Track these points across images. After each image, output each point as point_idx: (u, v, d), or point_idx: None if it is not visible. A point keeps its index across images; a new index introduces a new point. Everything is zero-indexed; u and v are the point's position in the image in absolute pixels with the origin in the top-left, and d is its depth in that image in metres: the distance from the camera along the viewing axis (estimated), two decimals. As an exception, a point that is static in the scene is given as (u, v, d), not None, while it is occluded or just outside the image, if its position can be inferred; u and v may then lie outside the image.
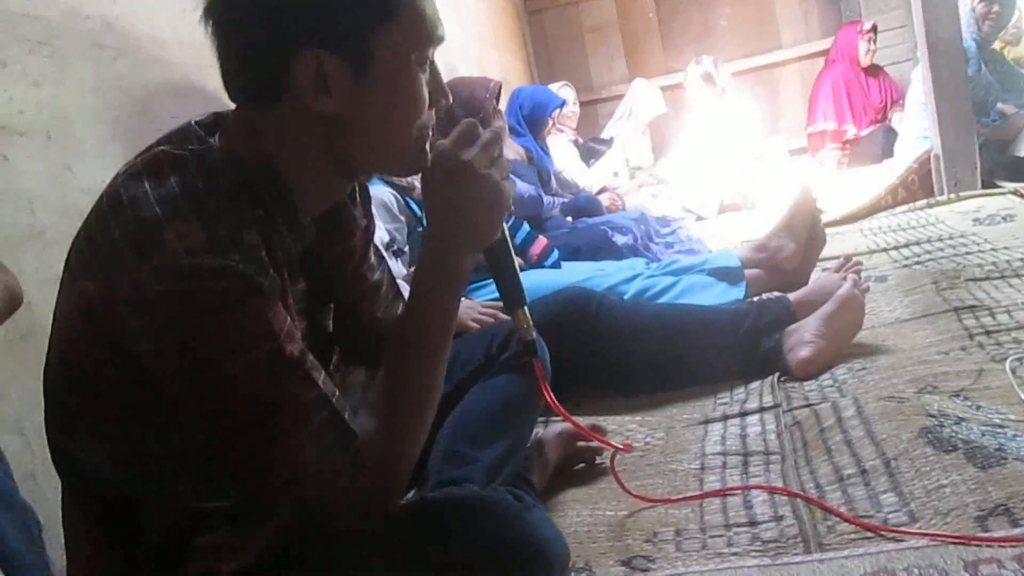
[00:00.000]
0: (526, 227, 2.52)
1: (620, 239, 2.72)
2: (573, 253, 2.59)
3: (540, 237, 2.49)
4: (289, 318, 0.81)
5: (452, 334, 0.92)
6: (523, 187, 2.88)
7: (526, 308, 1.02)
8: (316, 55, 0.80)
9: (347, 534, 0.84)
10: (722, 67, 4.85)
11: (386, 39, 0.83)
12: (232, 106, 0.89)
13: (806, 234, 2.33)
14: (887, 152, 4.44)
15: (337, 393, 0.84)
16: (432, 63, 0.90)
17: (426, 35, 0.86)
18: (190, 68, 1.83)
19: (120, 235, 0.75)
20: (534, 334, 1.06)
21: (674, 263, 2.35)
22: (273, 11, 0.80)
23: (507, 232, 0.98)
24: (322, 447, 0.80)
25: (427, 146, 0.91)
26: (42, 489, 1.23)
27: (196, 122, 0.87)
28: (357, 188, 1.06)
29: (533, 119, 3.67)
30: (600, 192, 4.10)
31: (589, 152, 4.81)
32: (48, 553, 0.96)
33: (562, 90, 4.54)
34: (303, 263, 0.93)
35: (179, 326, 0.73)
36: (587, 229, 2.83)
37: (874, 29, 4.95)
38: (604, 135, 5.19)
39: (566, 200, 3.58)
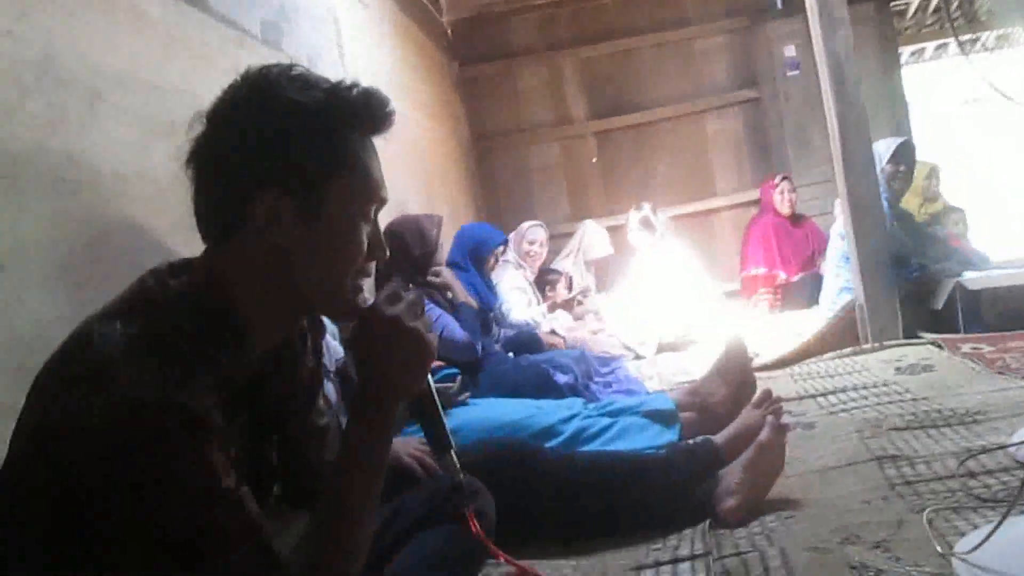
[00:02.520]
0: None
1: (561, 378, 2.78)
2: (514, 390, 2.64)
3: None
4: (228, 454, 0.85)
5: (382, 478, 0.97)
6: (460, 333, 2.94)
7: (452, 452, 1.08)
8: (274, 194, 0.92)
9: None
10: (661, 212, 5.09)
11: (336, 190, 0.95)
12: (190, 248, 0.99)
13: (737, 380, 2.42)
14: (815, 298, 4.66)
15: (267, 525, 0.87)
16: (375, 221, 1.01)
17: (371, 193, 0.99)
18: (148, 202, 1.88)
19: (80, 369, 0.82)
20: (461, 476, 1.10)
21: (611, 404, 2.40)
22: (246, 153, 0.93)
23: (431, 381, 1.04)
24: (248, 574, 0.83)
25: (361, 293, 1.01)
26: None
27: (170, 264, 0.96)
28: (309, 336, 1.11)
29: (476, 255, 3.77)
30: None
31: (543, 284, 4.90)
32: None
33: (532, 229, 4.72)
34: (250, 395, 0.98)
35: (119, 455, 0.78)
36: (529, 367, 2.89)
37: (786, 179, 5.29)
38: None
39: (509, 335, 3.65)
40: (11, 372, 1.39)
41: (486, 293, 3.74)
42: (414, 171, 4.48)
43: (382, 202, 1.02)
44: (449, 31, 6.12)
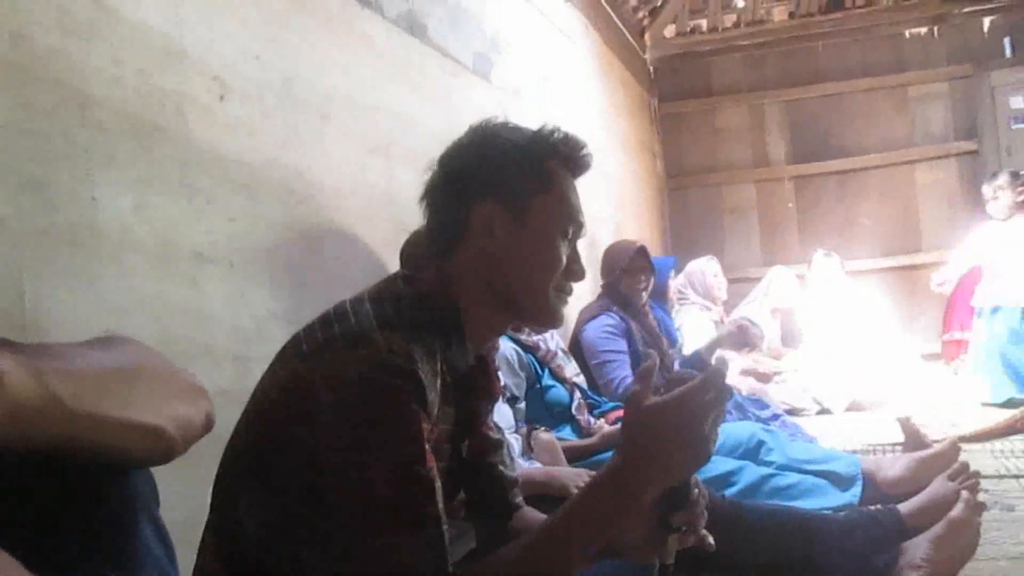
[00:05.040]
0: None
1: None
2: None
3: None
4: (437, 438, 0.94)
5: (596, 550, 0.97)
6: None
7: (678, 536, 1.03)
8: (488, 206, 1.07)
9: None
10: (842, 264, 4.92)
11: (540, 204, 1.09)
12: (395, 263, 1.08)
13: (921, 467, 2.21)
14: (1028, 371, 4.26)
15: (448, 525, 0.92)
16: (574, 246, 1.13)
17: (570, 214, 1.11)
18: (359, 216, 2.03)
19: (340, 332, 0.96)
20: (672, 559, 1.05)
21: (793, 446, 2.32)
22: (466, 176, 1.10)
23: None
24: (416, 561, 0.88)
25: (561, 307, 1.12)
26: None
27: (404, 273, 1.11)
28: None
29: (656, 287, 3.73)
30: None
31: (739, 337, 4.71)
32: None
33: (709, 262, 4.64)
34: (457, 392, 1.08)
35: (359, 406, 0.89)
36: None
37: None
38: (734, 315, 5.19)
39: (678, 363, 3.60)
40: (231, 361, 1.54)
41: (668, 326, 3.71)
42: (606, 202, 4.53)
43: (579, 226, 1.13)
44: (651, 68, 6.16)
